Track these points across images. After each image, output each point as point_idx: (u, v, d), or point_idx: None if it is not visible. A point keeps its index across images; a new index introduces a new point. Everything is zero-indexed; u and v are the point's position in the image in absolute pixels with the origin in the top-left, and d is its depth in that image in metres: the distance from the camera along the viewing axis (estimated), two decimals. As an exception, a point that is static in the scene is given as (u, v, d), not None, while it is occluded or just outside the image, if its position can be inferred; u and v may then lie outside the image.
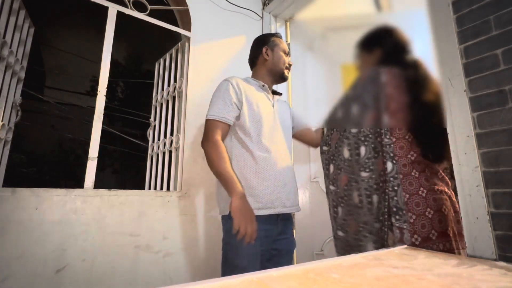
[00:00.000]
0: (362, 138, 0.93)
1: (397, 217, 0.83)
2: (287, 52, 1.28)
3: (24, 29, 1.37)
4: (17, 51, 1.31)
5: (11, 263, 0.96)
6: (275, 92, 1.31)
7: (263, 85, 1.22)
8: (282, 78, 1.27)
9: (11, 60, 1.25)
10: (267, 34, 1.33)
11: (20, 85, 1.39)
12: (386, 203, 0.87)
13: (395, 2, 1.30)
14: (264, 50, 1.25)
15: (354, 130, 0.95)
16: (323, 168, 1.04)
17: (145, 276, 1.17)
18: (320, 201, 1.62)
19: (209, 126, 1.10)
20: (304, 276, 0.52)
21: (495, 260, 0.76)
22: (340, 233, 0.93)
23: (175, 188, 1.42)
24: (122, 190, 1.19)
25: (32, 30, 1.46)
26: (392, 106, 0.89)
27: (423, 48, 1.06)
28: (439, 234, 0.83)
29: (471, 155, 0.85)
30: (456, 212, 0.88)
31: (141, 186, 1.21)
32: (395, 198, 0.85)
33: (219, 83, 1.17)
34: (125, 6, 1.43)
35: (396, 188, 0.85)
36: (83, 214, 1.10)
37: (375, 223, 0.88)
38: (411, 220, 0.82)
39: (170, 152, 1.50)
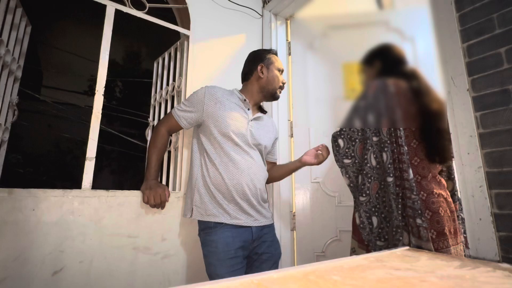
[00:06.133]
0: (382, 145, 0.98)
1: (422, 218, 0.89)
2: (281, 70, 1.28)
3: (20, 27, 1.36)
4: (13, 50, 1.29)
5: (7, 265, 0.94)
6: (261, 109, 1.31)
7: (245, 100, 1.22)
8: (273, 97, 1.28)
9: (7, 59, 1.23)
10: (263, 50, 1.32)
11: (17, 84, 1.37)
12: (403, 206, 0.94)
13: (397, 0, 1.28)
14: (259, 67, 1.24)
15: (375, 139, 1.00)
16: (350, 181, 1.05)
17: (143, 278, 1.16)
18: (321, 201, 1.60)
19: (165, 116, 1.24)
20: (304, 278, 0.52)
21: (499, 261, 0.75)
22: (379, 242, 0.96)
23: (174, 189, 1.41)
24: (120, 190, 1.17)
25: (29, 29, 1.44)
26: (402, 114, 0.96)
27: (426, 46, 1.06)
28: (438, 234, 0.90)
29: (474, 155, 0.85)
30: (452, 211, 0.96)
31: (139, 187, 1.19)
32: (418, 202, 0.91)
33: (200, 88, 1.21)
34: (123, 4, 1.41)
35: (415, 193, 0.91)
36: (80, 215, 1.08)
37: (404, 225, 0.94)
38: (428, 217, 0.91)
39: (169, 152, 1.49)
